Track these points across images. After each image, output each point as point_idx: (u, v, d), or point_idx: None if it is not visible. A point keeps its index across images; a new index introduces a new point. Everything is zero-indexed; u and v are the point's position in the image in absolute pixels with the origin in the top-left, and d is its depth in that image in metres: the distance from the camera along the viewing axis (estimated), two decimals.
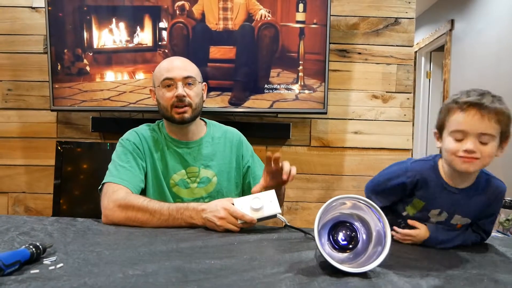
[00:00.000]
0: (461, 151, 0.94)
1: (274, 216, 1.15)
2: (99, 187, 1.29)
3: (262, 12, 2.11)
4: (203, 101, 1.44)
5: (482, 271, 0.86)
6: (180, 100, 1.32)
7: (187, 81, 1.34)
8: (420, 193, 1.05)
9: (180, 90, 1.32)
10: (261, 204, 1.12)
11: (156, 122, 1.47)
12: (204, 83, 1.46)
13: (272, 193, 1.16)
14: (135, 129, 1.43)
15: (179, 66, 1.36)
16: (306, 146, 2.35)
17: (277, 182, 1.25)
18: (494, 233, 1.85)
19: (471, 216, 1.05)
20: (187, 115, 1.34)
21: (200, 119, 1.48)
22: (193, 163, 1.40)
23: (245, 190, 1.50)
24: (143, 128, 1.43)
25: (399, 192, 1.07)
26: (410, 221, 1.07)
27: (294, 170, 1.22)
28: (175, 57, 1.44)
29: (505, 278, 0.82)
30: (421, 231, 1.05)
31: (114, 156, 1.36)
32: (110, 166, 1.33)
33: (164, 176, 1.38)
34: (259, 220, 1.13)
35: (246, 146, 1.52)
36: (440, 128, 1.00)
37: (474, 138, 0.93)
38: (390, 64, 2.32)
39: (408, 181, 1.04)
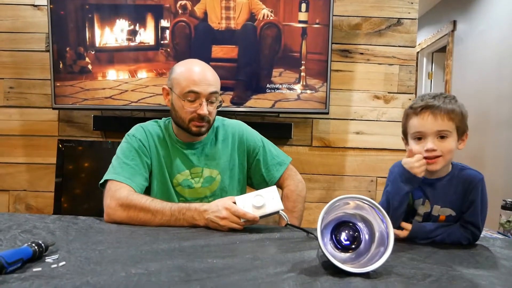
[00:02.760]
0: (424, 152, 1.03)
1: (277, 212, 1.15)
2: (101, 181, 1.28)
3: (264, 12, 2.11)
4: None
5: (484, 272, 0.86)
6: (201, 118, 1.30)
7: (211, 98, 1.31)
8: None
9: (205, 109, 1.28)
10: (263, 201, 1.12)
11: (163, 119, 1.44)
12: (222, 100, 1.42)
13: (273, 189, 1.16)
14: (142, 124, 1.41)
15: (205, 79, 1.30)
16: (307, 146, 2.35)
17: None
18: (495, 235, 1.85)
19: (452, 207, 1.09)
20: (204, 129, 1.33)
21: None
22: (197, 163, 1.39)
23: (259, 183, 1.46)
24: (151, 124, 1.41)
25: None
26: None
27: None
28: (199, 62, 1.35)
29: (507, 279, 0.82)
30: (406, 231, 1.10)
31: (118, 151, 1.34)
32: (114, 161, 1.32)
33: (169, 173, 1.37)
34: (262, 217, 1.13)
35: (251, 139, 1.46)
36: (405, 134, 1.12)
37: (433, 137, 1.03)
38: (392, 64, 2.32)
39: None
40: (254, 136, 1.48)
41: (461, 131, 1.05)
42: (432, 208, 1.09)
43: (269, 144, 1.49)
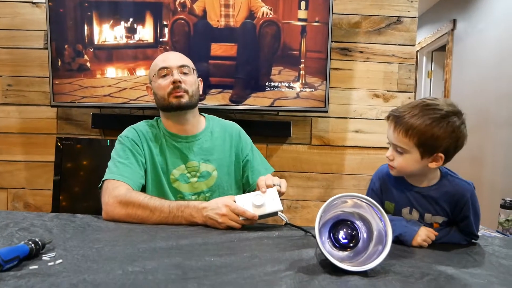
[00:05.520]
0: (386, 156, 1.04)
1: (276, 213, 1.14)
2: (99, 185, 1.29)
3: (264, 10, 2.10)
4: (200, 94, 1.45)
5: (482, 271, 0.86)
6: (177, 87, 1.34)
7: (183, 70, 1.36)
8: (386, 195, 1.12)
9: (176, 75, 1.34)
10: (263, 201, 1.12)
11: (155, 118, 1.48)
12: (200, 78, 1.47)
13: (274, 190, 1.16)
14: (133, 126, 1.44)
15: (173, 56, 1.40)
16: (306, 144, 2.35)
17: None
18: (494, 233, 1.85)
19: (443, 215, 1.07)
20: (184, 100, 1.35)
21: (199, 114, 1.48)
22: (193, 158, 1.40)
23: (244, 183, 1.50)
24: (141, 125, 1.44)
25: (378, 196, 1.13)
26: None
27: (274, 184, 1.20)
28: (170, 51, 1.46)
29: (505, 278, 0.82)
30: None
31: (113, 153, 1.36)
32: (109, 163, 1.33)
33: (163, 172, 1.38)
34: (261, 217, 1.13)
35: (245, 139, 1.52)
36: None
37: (392, 147, 1.03)
38: (392, 63, 2.32)
39: (376, 185, 1.13)
40: (248, 138, 1.54)
41: (429, 151, 0.98)
42: (424, 216, 1.07)
43: (257, 151, 1.55)
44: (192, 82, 1.38)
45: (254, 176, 1.46)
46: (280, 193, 1.19)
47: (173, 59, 1.38)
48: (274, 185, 1.18)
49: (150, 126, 1.43)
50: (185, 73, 1.37)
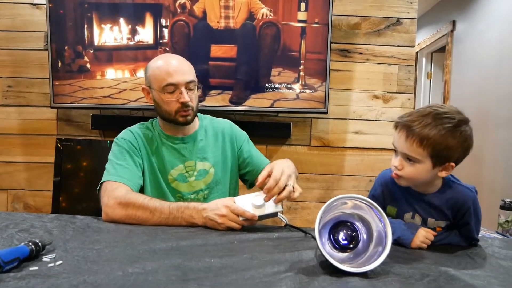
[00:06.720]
0: (393, 165, 1.02)
1: (275, 214, 1.15)
2: (98, 188, 1.29)
3: (263, 11, 2.11)
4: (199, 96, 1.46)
5: (482, 272, 0.86)
6: (185, 106, 1.33)
7: (190, 86, 1.34)
8: (388, 199, 1.11)
9: (186, 97, 1.32)
10: (263, 201, 1.12)
11: (149, 120, 1.48)
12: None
13: None
14: (129, 128, 1.44)
15: (179, 70, 1.33)
16: (306, 145, 2.35)
17: None
18: (493, 234, 1.85)
19: (446, 219, 1.06)
20: (190, 118, 1.36)
21: None
22: (190, 157, 1.41)
23: (247, 179, 1.51)
24: (137, 127, 1.44)
25: (380, 202, 1.12)
26: None
27: (286, 190, 1.15)
28: (170, 55, 1.39)
29: (505, 279, 0.82)
30: None
31: (110, 155, 1.36)
32: (107, 166, 1.33)
33: (161, 172, 1.38)
34: (260, 217, 1.13)
35: (239, 133, 1.53)
36: None
37: (401, 156, 0.99)
38: (392, 64, 2.32)
39: (378, 190, 1.12)
40: (241, 130, 1.55)
41: (441, 161, 0.96)
42: (427, 221, 1.07)
43: (252, 144, 1.55)
44: (196, 97, 1.38)
45: (257, 161, 1.48)
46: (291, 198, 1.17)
47: (180, 73, 1.32)
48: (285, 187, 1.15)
49: (146, 128, 1.44)
50: (191, 89, 1.35)
